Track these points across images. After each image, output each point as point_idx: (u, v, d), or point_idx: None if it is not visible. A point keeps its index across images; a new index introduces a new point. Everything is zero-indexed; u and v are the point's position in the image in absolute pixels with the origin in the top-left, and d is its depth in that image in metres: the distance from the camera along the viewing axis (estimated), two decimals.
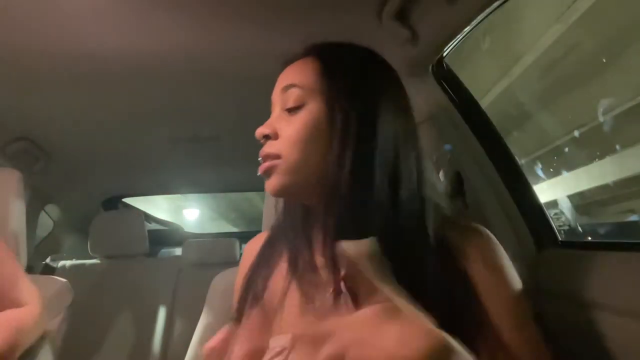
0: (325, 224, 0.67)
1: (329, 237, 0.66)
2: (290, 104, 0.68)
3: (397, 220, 0.63)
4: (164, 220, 3.35)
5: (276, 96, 0.72)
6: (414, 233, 0.64)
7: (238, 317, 0.72)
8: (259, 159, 0.69)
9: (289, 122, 0.68)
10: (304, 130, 0.66)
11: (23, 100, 1.44)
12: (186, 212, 6.76)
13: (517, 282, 0.67)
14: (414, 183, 0.66)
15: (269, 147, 0.68)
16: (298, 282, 0.68)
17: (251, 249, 0.82)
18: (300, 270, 0.69)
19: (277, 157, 0.67)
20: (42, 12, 0.99)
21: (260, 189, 0.83)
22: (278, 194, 0.69)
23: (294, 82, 0.69)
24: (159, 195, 2.99)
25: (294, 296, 0.68)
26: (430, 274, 0.61)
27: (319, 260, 0.69)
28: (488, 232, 0.70)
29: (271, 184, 0.68)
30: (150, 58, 1.20)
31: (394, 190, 0.65)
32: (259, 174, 0.69)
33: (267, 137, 0.69)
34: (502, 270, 0.66)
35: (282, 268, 0.72)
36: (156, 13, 1.01)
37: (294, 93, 0.68)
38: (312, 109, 0.67)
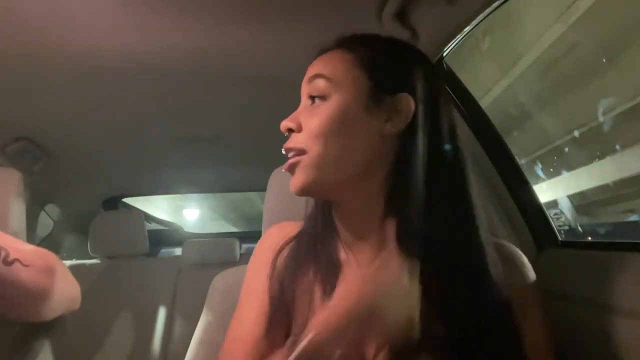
0: (364, 221, 0.66)
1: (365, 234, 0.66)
2: (314, 94, 0.66)
3: (448, 223, 0.62)
4: (164, 220, 3.35)
5: (304, 88, 0.69)
6: (467, 240, 0.62)
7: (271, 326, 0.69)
8: (283, 151, 0.66)
9: (313, 114, 0.65)
10: (328, 122, 0.63)
11: (23, 100, 1.44)
12: (186, 212, 6.76)
13: (542, 306, 0.67)
14: (461, 184, 0.65)
15: (293, 141, 0.65)
16: (321, 279, 0.67)
17: (271, 239, 0.78)
18: (323, 267, 0.68)
19: (302, 151, 0.64)
20: (42, 12, 0.99)
21: (261, 188, 0.82)
22: (303, 192, 0.66)
23: (320, 72, 0.66)
24: (159, 195, 2.99)
25: (317, 295, 0.67)
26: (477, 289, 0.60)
27: (343, 257, 0.68)
28: (519, 252, 0.69)
29: (295, 181, 0.65)
30: (151, 58, 1.20)
31: (442, 190, 0.63)
32: (283, 170, 0.67)
33: (291, 130, 0.66)
34: (533, 298, 0.66)
35: (309, 268, 0.69)
36: (156, 13, 1.01)
37: (319, 83, 0.65)
38: (337, 101, 0.64)
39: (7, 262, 0.76)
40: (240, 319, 0.73)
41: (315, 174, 0.64)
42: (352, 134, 0.63)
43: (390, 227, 0.63)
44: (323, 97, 0.65)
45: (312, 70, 0.68)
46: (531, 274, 0.68)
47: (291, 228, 0.76)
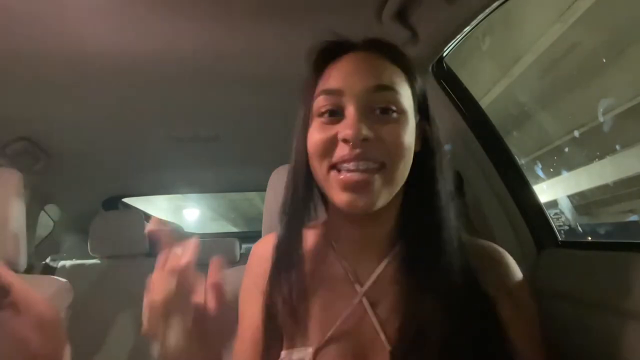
0: (373, 234, 0.68)
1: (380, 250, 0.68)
2: (388, 106, 0.62)
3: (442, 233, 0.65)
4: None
5: (364, 95, 0.62)
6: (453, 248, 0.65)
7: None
8: (351, 164, 0.60)
9: (388, 126, 0.61)
10: (406, 137, 0.62)
11: (23, 100, 1.44)
12: (186, 212, 6.76)
13: (532, 304, 0.68)
14: (447, 193, 0.67)
15: (370, 151, 0.60)
16: (322, 292, 0.68)
17: (260, 255, 0.77)
18: (317, 279, 0.68)
19: (382, 164, 0.61)
20: (42, 12, 0.99)
21: (261, 189, 0.82)
22: (374, 210, 0.61)
23: (390, 84, 0.63)
24: (159, 195, 2.99)
25: (315, 307, 0.67)
26: (459, 293, 0.62)
27: (338, 269, 0.69)
28: (505, 253, 0.70)
29: (372, 199, 0.60)
30: (151, 58, 1.20)
31: (438, 203, 0.65)
32: (349, 191, 0.61)
33: (365, 140, 0.60)
34: (520, 295, 0.67)
35: (305, 277, 0.69)
36: (156, 14, 1.01)
37: (392, 96, 0.63)
38: (406, 116, 0.63)
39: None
40: (242, 324, 0.75)
41: (390, 192, 0.62)
42: (412, 152, 0.64)
43: (396, 240, 0.67)
44: (395, 111, 0.62)
45: (375, 80, 0.63)
46: (517, 273, 0.69)
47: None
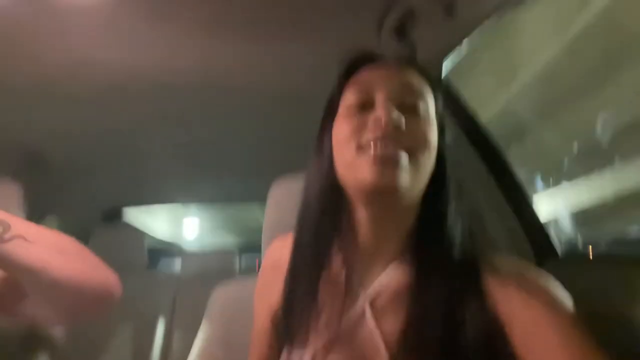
0: (390, 237, 0.68)
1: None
2: (417, 106, 0.65)
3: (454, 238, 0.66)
4: (163, 241, 3.33)
5: (390, 88, 0.65)
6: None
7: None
8: (380, 144, 0.61)
9: (414, 120, 0.64)
10: (431, 135, 0.65)
11: (23, 112, 1.44)
12: (186, 221, 6.73)
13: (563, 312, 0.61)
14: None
15: (402, 139, 0.62)
16: (326, 296, 0.68)
17: (275, 255, 0.80)
18: (329, 283, 0.68)
19: (408, 151, 0.62)
20: (44, 22, 1.00)
21: (260, 200, 0.83)
22: (400, 191, 0.61)
23: (418, 88, 0.67)
24: (159, 204, 2.98)
25: (318, 310, 0.67)
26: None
27: (344, 273, 0.69)
28: (542, 272, 0.65)
29: (403, 177, 0.60)
30: (151, 71, 1.21)
31: (451, 210, 0.68)
32: (379, 165, 0.60)
33: (396, 125, 0.62)
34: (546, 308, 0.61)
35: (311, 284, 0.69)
36: (156, 27, 1.02)
37: (418, 98, 0.66)
38: (430, 120, 0.66)
39: (4, 240, 0.66)
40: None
41: (413, 181, 0.62)
42: (434, 150, 0.66)
43: (404, 251, 0.67)
44: (421, 112, 0.65)
45: (403, 79, 0.68)
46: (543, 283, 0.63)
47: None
